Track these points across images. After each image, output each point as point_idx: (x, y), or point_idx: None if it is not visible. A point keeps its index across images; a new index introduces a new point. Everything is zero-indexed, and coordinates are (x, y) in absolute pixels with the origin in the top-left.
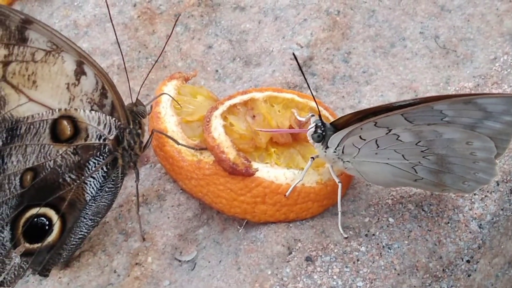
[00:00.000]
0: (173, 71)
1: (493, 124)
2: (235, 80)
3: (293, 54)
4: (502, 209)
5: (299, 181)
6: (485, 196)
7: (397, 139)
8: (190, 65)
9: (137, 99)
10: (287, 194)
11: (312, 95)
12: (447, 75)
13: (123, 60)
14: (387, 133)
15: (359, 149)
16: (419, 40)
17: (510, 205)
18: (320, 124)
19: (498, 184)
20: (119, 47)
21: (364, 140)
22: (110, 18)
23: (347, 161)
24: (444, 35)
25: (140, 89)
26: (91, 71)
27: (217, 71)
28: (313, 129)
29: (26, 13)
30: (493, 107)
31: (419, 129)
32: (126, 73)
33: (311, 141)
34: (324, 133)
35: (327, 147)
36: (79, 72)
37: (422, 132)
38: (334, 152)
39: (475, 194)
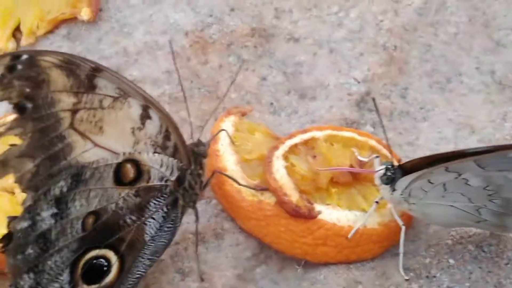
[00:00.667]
0: (227, 102)
1: None
2: (290, 114)
3: (373, 99)
4: None
5: (362, 223)
6: None
7: (465, 183)
8: (244, 97)
9: (198, 139)
10: (349, 236)
11: (386, 138)
12: (504, 111)
13: (183, 90)
14: (456, 178)
15: (426, 192)
16: (475, 75)
17: None
18: (390, 166)
19: None
20: (178, 73)
21: (433, 183)
22: (172, 50)
23: (413, 203)
24: (500, 70)
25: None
26: (156, 115)
27: (271, 104)
28: (383, 171)
29: (95, 62)
30: None
31: (489, 174)
32: (186, 104)
33: (378, 183)
34: (393, 176)
35: (394, 190)
36: (145, 116)
37: (492, 177)
38: (401, 194)
39: None
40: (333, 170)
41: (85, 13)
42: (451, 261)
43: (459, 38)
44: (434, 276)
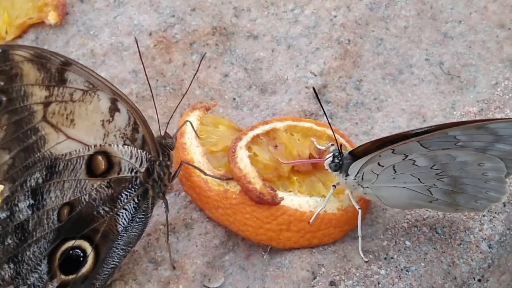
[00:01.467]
0: (191, 99)
1: (504, 146)
2: (252, 108)
3: (313, 88)
4: (508, 229)
5: (322, 208)
6: (493, 217)
7: (413, 164)
8: (207, 94)
9: (165, 132)
10: (311, 221)
11: (330, 124)
12: (453, 100)
13: (150, 88)
14: (403, 159)
15: (377, 175)
16: (425, 66)
17: None
18: (337, 153)
19: (504, 206)
20: (145, 72)
21: (382, 166)
22: (139, 51)
23: (367, 187)
24: (448, 61)
25: (169, 121)
26: (124, 108)
27: (234, 99)
28: (330, 159)
29: (65, 56)
30: (504, 130)
31: (434, 153)
32: (154, 101)
33: (328, 170)
34: (341, 163)
35: (347, 175)
36: (113, 109)
37: (437, 156)
38: (354, 179)
39: (484, 216)
40: (295, 163)
41: (52, 17)
42: (407, 243)
43: (409, 31)
44: (392, 258)
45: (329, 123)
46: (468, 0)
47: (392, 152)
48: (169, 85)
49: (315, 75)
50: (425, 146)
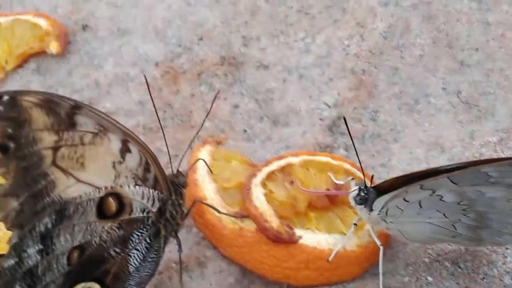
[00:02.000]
0: (201, 132)
1: None
2: (264, 140)
3: (344, 118)
4: None
5: (342, 246)
6: None
7: (440, 199)
8: (217, 126)
9: (178, 170)
10: (330, 259)
11: (357, 156)
12: (471, 130)
13: (159, 120)
14: (430, 195)
15: (402, 210)
16: (442, 95)
17: None
18: (363, 187)
19: None
20: (154, 107)
21: (408, 201)
22: (147, 82)
23: (390, 222)
24: (465, 90)
25: (182, 157)
26: (135, 148)
27: (245, 131)
28: (356, 192)
29: (75, 100)
30: None
31: (462, 189)
32: (163, 133)
33: (353, 203)
34: (366, 196)
35: (371, 210)
36: (125, 150)
37: (466, 192)
38: (378, 214)
39: (507, 248)
40: (314, 192)
41: (53, 47)
42: (429, 278)
43: (425, 59)
44: None
45: (358, 157)
46: (485, 27)
47: (420, 188)
48: (177, 117)
49: (329, 107)
50: (455, 182)
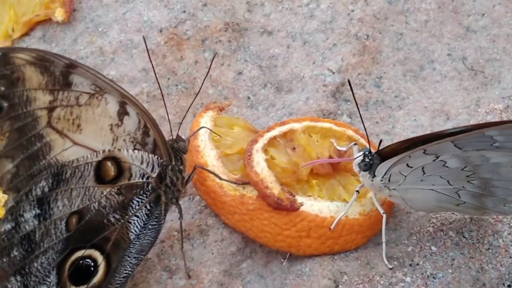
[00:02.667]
0: (204, 98)
1: None
2: (268, 107)
3: (349, 81)
4: None
5: (344, 214)
6: None
7: (443, 165)
8: (221, 92)
9: (177, 135)
10: (332, 227)
11: (363, 122)
12: (477, 97)
13: (160, 88)
14: (434, 160)
15: (405, 176)
16: (447, 62)
17: None
18: (367, 153)
19: None
20: (155, 75)
21: (411, 167)
22: (147, 48)
23: (393, 189)
24: (471, 56)
25: (181, 122)
26: (134, 111)
27: (249, 98)
28: (361, 158)
29: (70, 58)
30: None
31: (467, 154)
32: (164, 101)
33: (357, 170)
34: (371, 162)
35: (374, 176)
36: (122, 113)
37: (470, 157)
38: (381, 180)
39: None
40: (314, 163)
41: (59, 14)
42: (433, 248)
43: (430, 25)
44: (418, 264)
45: (362, 121)
46: None
47: (423, 153)
48: (181, 84)
49: (333, 72)
50: (459, 146)
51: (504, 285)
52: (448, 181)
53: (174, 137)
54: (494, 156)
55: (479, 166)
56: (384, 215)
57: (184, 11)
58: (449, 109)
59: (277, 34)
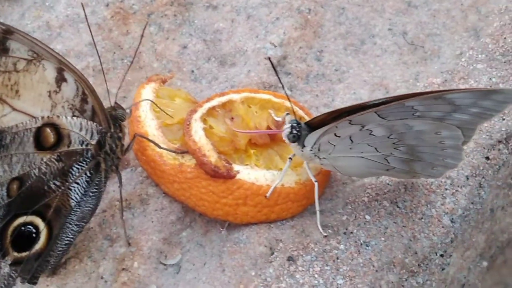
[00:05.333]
0: (149, 72)
1: (461, 116)
2: (211, 80)
3: (269, 58)
4: (472, 203)
5: (279, 182)
6: (456, 190)
7: (370, 134)
8: (165, 66)
9: (115, 102)
10: (267, 195)
11: (287, 96)
12: (416, 71)
13: (100, 62)
14: (360, 129)
15: (334, 146)
16: (388, 36)
17: (479, 199)
18: (295, 124)
19: (467, 179)
20: (96, 49)
21: (339, 137)
22: (87, 20)
23: (323, 158)
24: (411, 31)
25: (117, 91)
26: (72, 77)
27: (192, 71)
28: (288, 130)
29: (7, 24)
30: (461, 100)
31: (391, 123)
32: (104, 75)
33: (287, 141)
34: (299, 133)
35: (303, 146)
36: (60, 79)
37: (394, 126)
38: (311, 150)
39: (446, 189)
40: (249, 133)
41: None
42: (367, 217)
43: (372, 0)
44: (351, 232)
45: (286, 93)
46: None
47: (349, 123)
48: (127, 58)
49: (275, 46)
50: (382, 116)
51: (436, 254)
52: (376, 149)
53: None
54: (417, 124)
55: (404, 134)
56: (316, 184)
57: None
58: (388, 83)
59: (222, 8)
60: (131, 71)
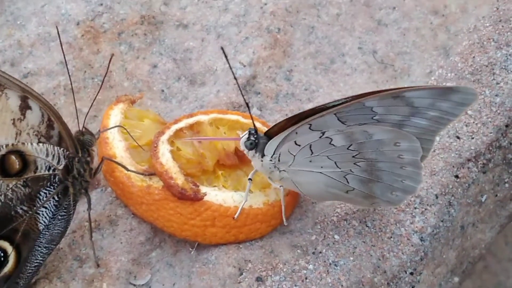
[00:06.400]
0: (120, 91)
1: (419, 121)
2: (181, 100)
3: (235, 78)
4: (442, 221)
5: (245, 202)
6: (425, 209)
7: (330, 143)
8: (136, 85)
9: (84, 127)
10: (235, 216)
11: (250, 113)
12: None
13: (71, 81)
14: (320, 137)
15: (294, 156)
16: (357, 55)
17: (449, 217)
18: (253, 131)
19: (437, 197)
20: (67, 68)
21: (299, 145)
22: (60, 39)
23: (283, 170)
24: (381, 49)
25: (88, 111)
26: (36, 105)
27: (163, 91)
28: (246, 136)
29: None
30: (420, 101)
31: (350, 130)
32: (73, 94)
33: (244, 149)
34: (256, 140)
35: (263, 155)
36: (24, 107)
37: (354, 134)
38: (271, 160)
39: (415, 208)
40: (197, 139)
41: None
42: (336, 237)
43: (342, 18)
44: (320, 252)
45: (249, 110)
46: None
47: (309, 128)
48: (97, 77)
49: (244, 66)
50: (342, 120)
51: (406, 273)
52: (335, 163)
53: (80, 130)
54: (376, 132)
55: (363, 144)
56: (282, 188)
57: (101, 4)
58: None
59: (192, 27)
60: (102, 90)
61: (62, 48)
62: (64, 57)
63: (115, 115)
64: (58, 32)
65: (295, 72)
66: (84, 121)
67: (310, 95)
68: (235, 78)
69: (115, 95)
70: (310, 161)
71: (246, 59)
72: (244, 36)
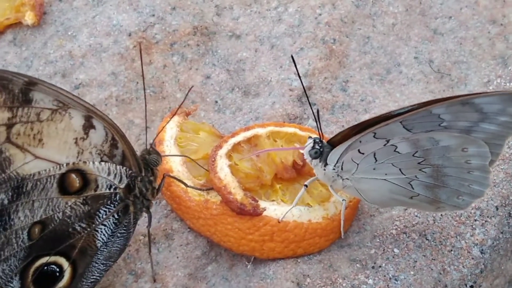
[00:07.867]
0: (172, 102)
1: (489, 126)
2: (235, 111)
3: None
4: (502, 232)
5: (294, 206)
6: (486, 221)
7: (394, 150)
8: (189, 96)
9: (151, 146)
10: (280, 219)
11: (317, 120)
12: None
13: (145, 87)
14: (385, 145)
15: (357, 164)
16: (413, 65)
17: (509, 228)
18: (318, 140)
19: (497, 209)
20: (143, 79)
21: (363, 154)
22: (141, 58)
23: (346, 179)
24: (438, 59)
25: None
26: (100, 124)
27: (216, 102)
28: (310, 145)
29: (30, 76)
30: (489, 107)
31: (416, 137)
32: (145, 100)
33: (308, 158)
34: (321, 149)
35: (326, 164)
36: (88, 126)
37: (419, 141)
38: (333, 169)
39: (475, 220)
40: (267, 151)
41: (29, 17)
42: (396, 250)
43: (397, 28)
44: (380, 266)
45: (316, 118)
46: None
47: (374, 137)
48: (149, 88)
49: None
50: (408, 128)
51: (466, 286)
52: (400, 170)
53: (148, 148)
54: (443, 138)
55: (430, 151)
56: (344, 201)
57: (153, 15)
58: None
59: (245, 37)
60: (154, 101)
61: (142, 64)
62: (142, 72)
63: (171, 128)
64: (140, 51)
65: (351, 82)
66: (152, 141)
67: (366, 105)
68: (304, 91)
69: (168, 106)
70: (374, 169)
71: (302, 70)
72: (299, 47)
